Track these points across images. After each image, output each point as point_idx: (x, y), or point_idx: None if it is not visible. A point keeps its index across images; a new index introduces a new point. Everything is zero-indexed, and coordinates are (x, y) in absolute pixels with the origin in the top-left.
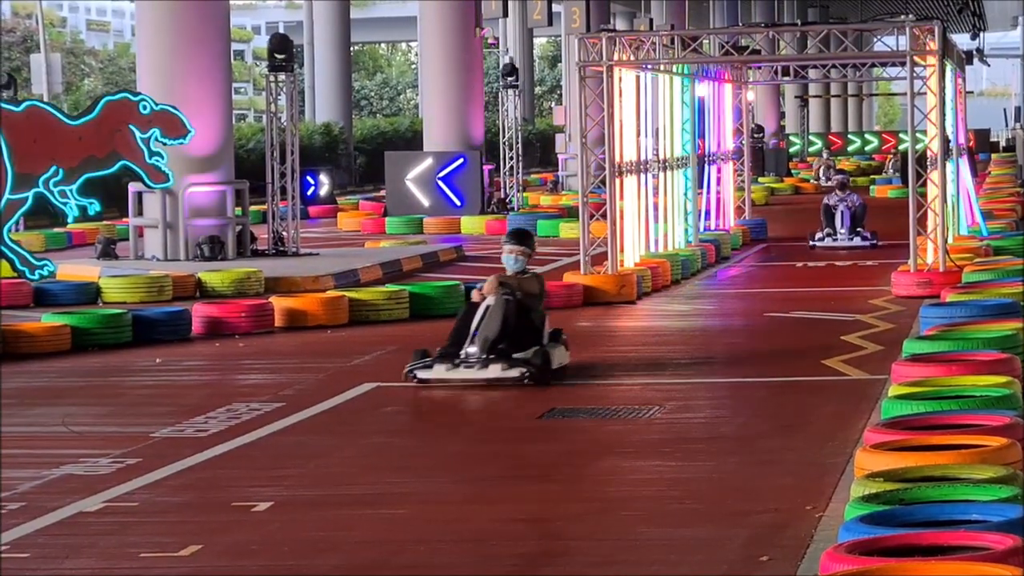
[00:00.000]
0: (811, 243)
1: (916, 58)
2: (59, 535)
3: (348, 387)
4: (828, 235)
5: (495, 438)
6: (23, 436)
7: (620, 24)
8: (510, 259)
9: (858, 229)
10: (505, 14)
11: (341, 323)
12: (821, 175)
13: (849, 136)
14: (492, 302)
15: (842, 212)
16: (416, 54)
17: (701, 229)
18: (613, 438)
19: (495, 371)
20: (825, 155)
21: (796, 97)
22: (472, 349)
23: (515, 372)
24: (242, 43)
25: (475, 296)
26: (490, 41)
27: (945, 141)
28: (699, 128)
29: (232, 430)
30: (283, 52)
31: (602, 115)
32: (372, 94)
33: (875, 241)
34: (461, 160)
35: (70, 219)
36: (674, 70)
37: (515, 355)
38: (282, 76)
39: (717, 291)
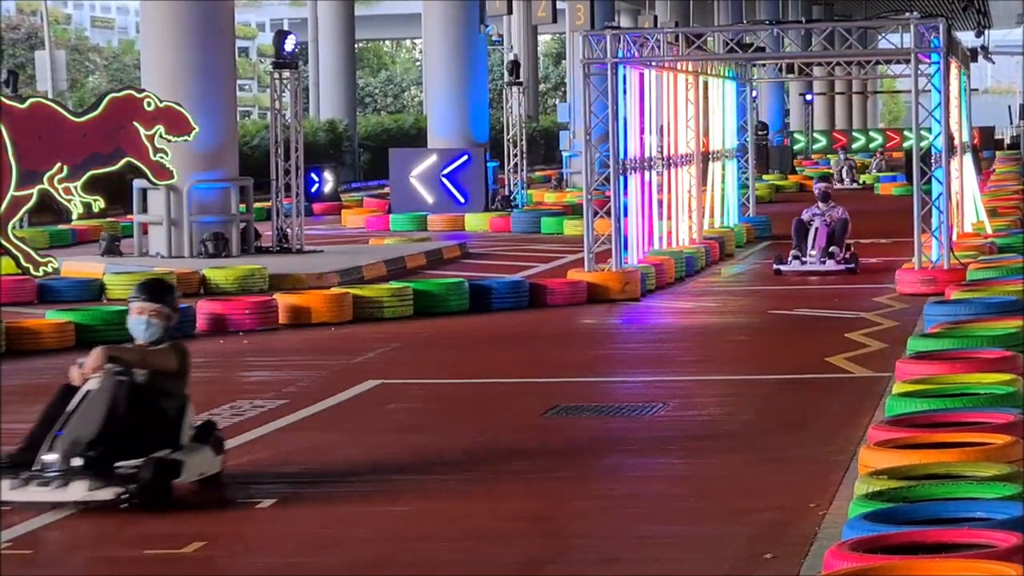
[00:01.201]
0: (776, 267)
1: (920, 55)
2: (63, 531)
3: (352, 384)
4: (796, 257)
5: (498, 435)
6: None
7: (624, 21)
8: (139, 322)
9: (831, 250)
10: (509, 11)
11: (345, 320)
12: (844, 176)
13: (853, 133)
14: (95, 386)
15: (816, 229)
16: (420, 51)
17: (705, 226)
18: (617, 435)
19: (78, 491)
20: (843, 155)
21: (800, 94)
22: (50, 456)
23: (107, 493)
24: (247, 40)
25: (73, 376)
26: (494, 38)
27: (949, 138)
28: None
29: (236, 427)
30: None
31: (606, 112)
32: (376, 91)
33: (853, 265)
34: (465, 157)
35: (74, 216)
36: (683, 67)
37: (119, 464)
38: (286, 73)
39: (721, 288)
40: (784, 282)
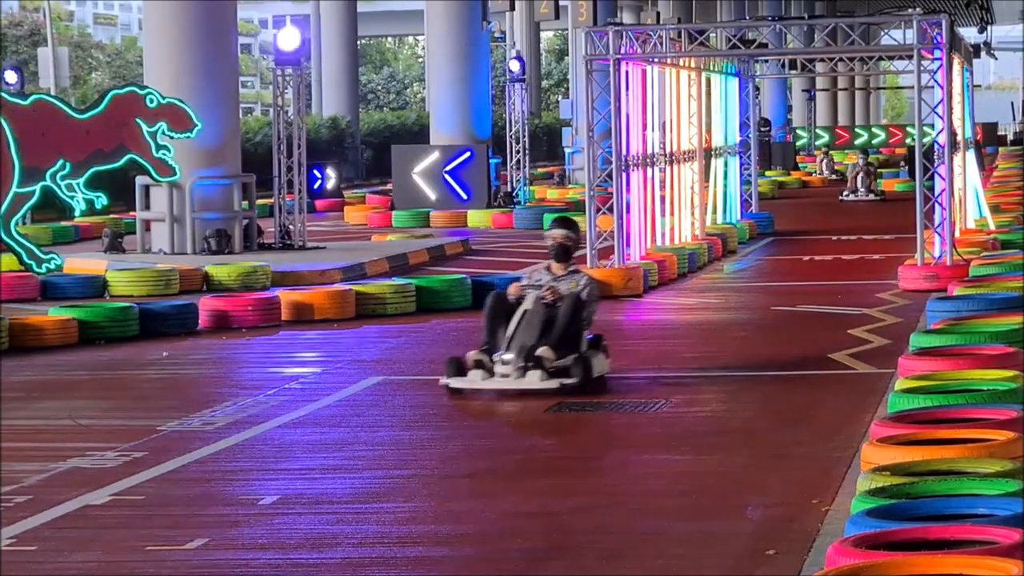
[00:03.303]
0: (443, 382)
1: (923, 52)
2: (66, 528)
3: (355, 380)
4: (479, 364)
5: (502, 432)
6: (30, 429)
7: (627, 18)
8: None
9: (539, 352)
10: (512, 8)
11: (348, 317)
12: (859, 185)
13: (856, 130)
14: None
15: (524, 313)
16: (423, 48)
17: (707, 222)
18: (620, 432)
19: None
20: (861, 160)
21: (803, 91)
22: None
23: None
24: (249, 36)
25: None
26: (497, 35)
27: (952, 135)
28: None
29: (238, 424)
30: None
31: (609, 109)
32: (379, 88)
33: (581, 379)
34: (468, 154)
35: (77, 213)
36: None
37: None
38: (289, 70)
39: (724, 285)
40: (785, 279)
